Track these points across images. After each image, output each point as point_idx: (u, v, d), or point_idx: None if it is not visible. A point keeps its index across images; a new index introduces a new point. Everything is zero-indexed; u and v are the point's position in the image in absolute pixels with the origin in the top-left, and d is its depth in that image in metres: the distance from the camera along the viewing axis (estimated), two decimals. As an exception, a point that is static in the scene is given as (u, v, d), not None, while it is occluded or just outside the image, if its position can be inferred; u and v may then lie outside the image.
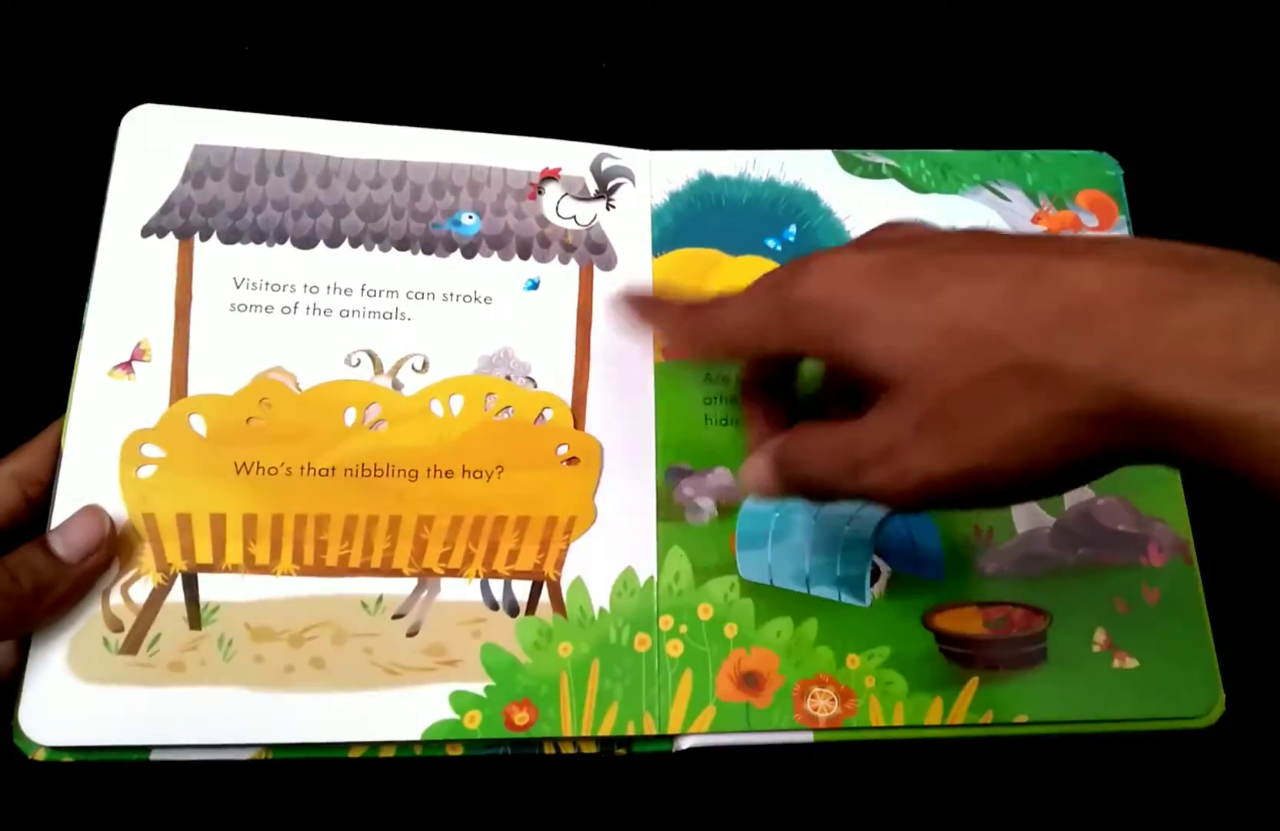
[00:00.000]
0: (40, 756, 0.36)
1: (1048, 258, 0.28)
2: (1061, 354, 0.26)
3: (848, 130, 0.48)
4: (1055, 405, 0.26)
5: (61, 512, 0.37)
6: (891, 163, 0.46)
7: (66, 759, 0.36)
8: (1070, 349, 0.26)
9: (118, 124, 0.43)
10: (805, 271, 0.31)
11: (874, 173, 0.46)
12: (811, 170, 0.46)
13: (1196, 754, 0.40)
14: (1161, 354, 0.25)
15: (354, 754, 0.37)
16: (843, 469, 0.30)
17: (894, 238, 0.32)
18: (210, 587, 0.38)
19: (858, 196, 0.46)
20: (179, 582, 0.38)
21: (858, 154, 0.47)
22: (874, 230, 0.34)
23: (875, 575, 0.40)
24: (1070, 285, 0.27)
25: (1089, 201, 0.46)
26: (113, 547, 0.37)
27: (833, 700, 0.38)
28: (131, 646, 0.37)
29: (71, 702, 0.36)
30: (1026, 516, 0.41)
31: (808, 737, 0.38)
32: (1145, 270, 0.26)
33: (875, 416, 0.29)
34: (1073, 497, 0.41)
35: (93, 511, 0.37)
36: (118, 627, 0.37)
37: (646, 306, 0.39)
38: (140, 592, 0.38)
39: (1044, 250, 0.28)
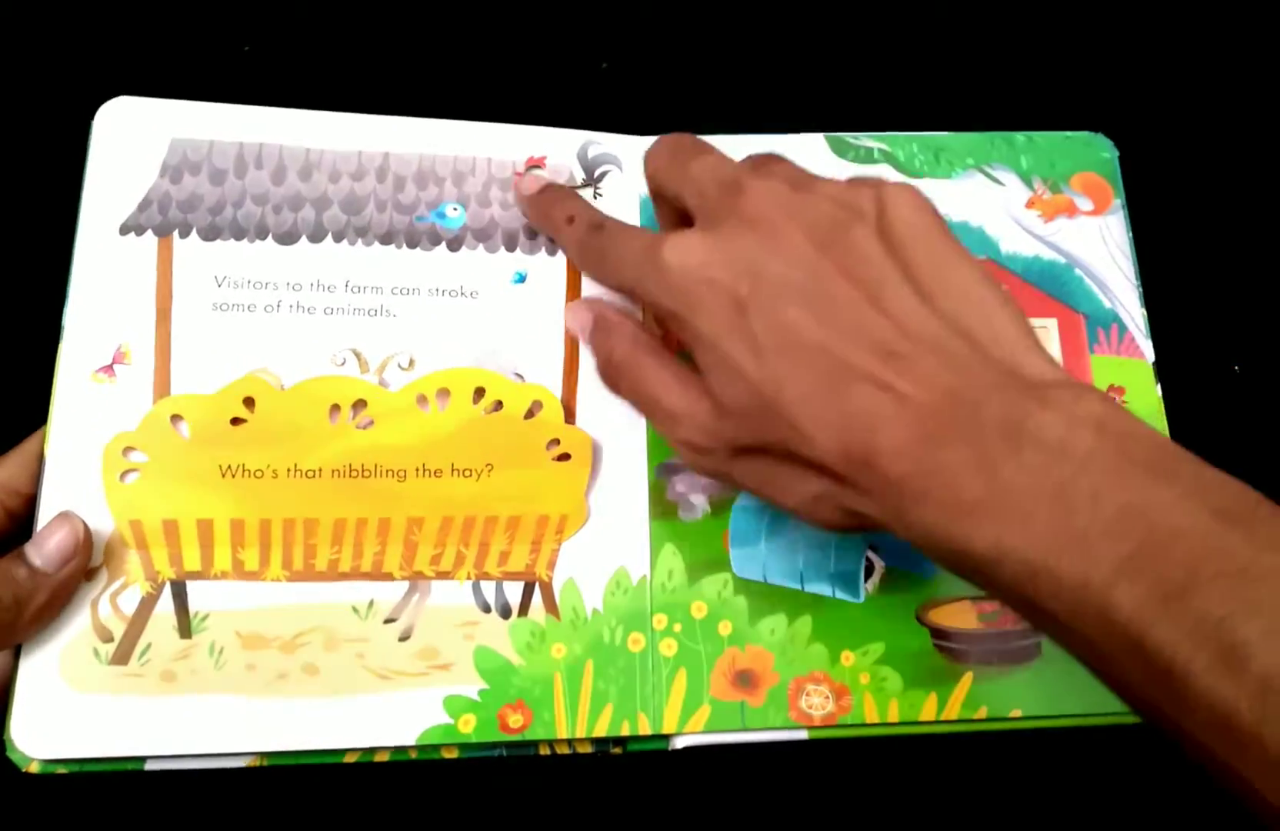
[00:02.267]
0: (34, 769, 0.36)
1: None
2: (845, 464, 0.30)
3: (839, 113, 0.47)
4: (818, 506, 0.32)
5: (45, 523, 0.37)
6: (884, 147, 0.46)
7: (60, 771, 0.36)
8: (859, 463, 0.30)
9: (91, 118, 0.42)
10: (671, 250, 0.33)
11: (866, 157, 0.45)
12: (802, 154, 0.45)
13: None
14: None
15: (349, 759, 0.37)
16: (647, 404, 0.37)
17: (759, 212, 0.33)
18: (199, 595, 0.38)
19: (850, 181, 0.45)
20: (168, 591, 0.37)
21: (849, 137, 0.46)
22: (756, 172, 0.35)
23: (869, 570, 0.40)
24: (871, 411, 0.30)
25: (1083, 185, 0.45)
26: (89, 553, 0.37)
27: (827, 697, 0.38)
28: (122, 657, 0.37)
29: (63, 715, 0.36)
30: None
31: (802, 735, 0.38)
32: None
33: (689, 393, 0.34)
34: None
35: (66, 518, 0.36)
36: (108, 638, 0.37)
37: (551, 200, 0.41)
38: (129, 602, 0.37)
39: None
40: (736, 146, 0.45)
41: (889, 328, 0.30)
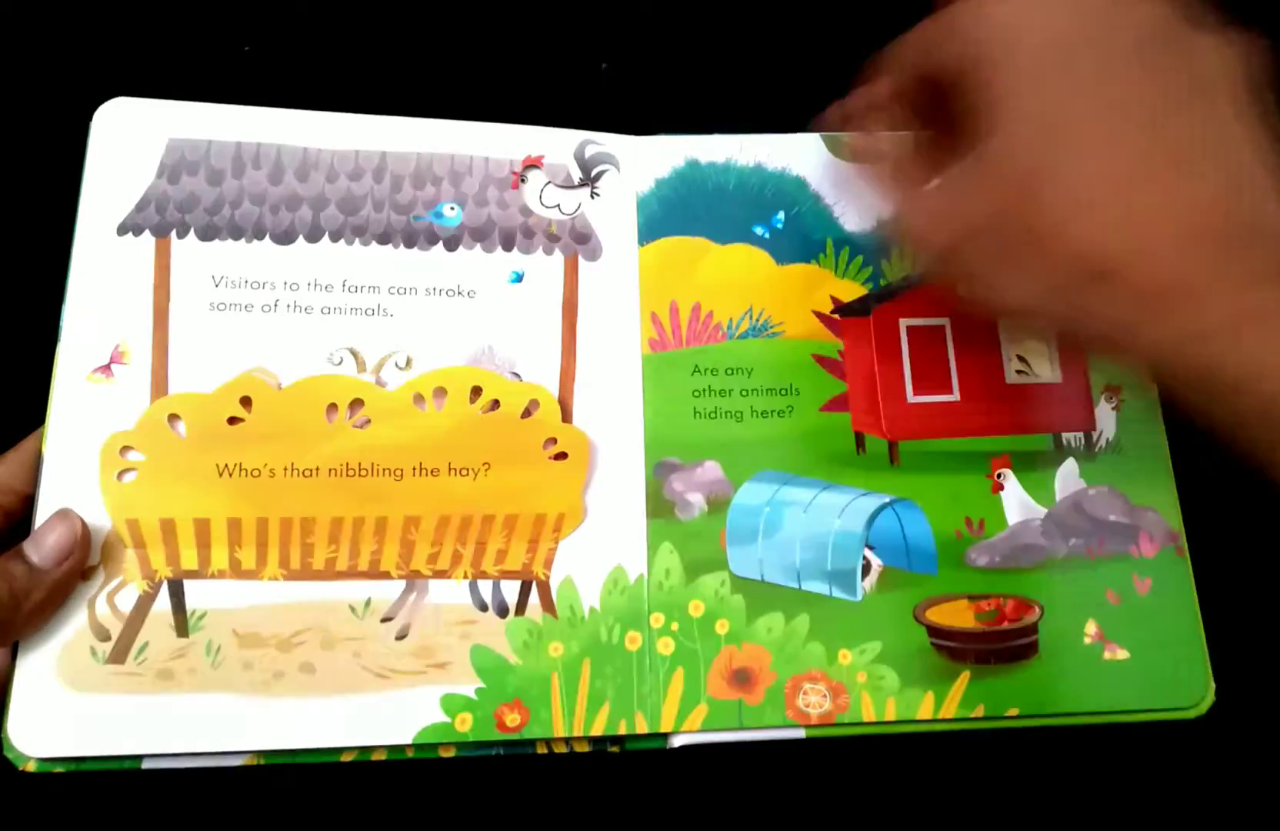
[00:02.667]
0: (31, 768, 0.36)
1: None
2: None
3: (836, 112, 0.47)
4: (1051, 299, 0.31)
5: (43, 521, 0.37)
6: (881, 146, 0.46)
7: (58, 769, 0.36)
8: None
9: (89, 119, 0.42)
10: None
11: (864, 156, 0.45)
12: (800, 154, 0.45)
13: (1186, 745, 0.40)
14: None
15: (346, 757, 0.37)
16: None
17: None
18: (196, 594, 0.38)
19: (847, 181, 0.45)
20: (165, 590, 0.38)
21: (846, 137, 0.46)
22: None
23: (866, 569, 0.40)
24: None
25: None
26: (86, 550, 0.37)
27: (824, 696, 0.38)
28: (119, 655, 0.37)
29: (61, 713, 0.36)
30: (1018, 508, 0.41)
31: (799, 734, 0.38)
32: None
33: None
34: (1064, 489, 0.41)
35: (64, 515, 0.37)
36: (105, 636, 0.37)
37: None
38: (126, 601, 0.37)
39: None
40: (733, 146, 0.45)
41: (1184, 136, 0.30)
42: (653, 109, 0.47)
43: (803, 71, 0.50)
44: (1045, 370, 0.43)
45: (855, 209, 0.45)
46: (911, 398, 0.42)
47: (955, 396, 0.42)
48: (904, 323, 0.43)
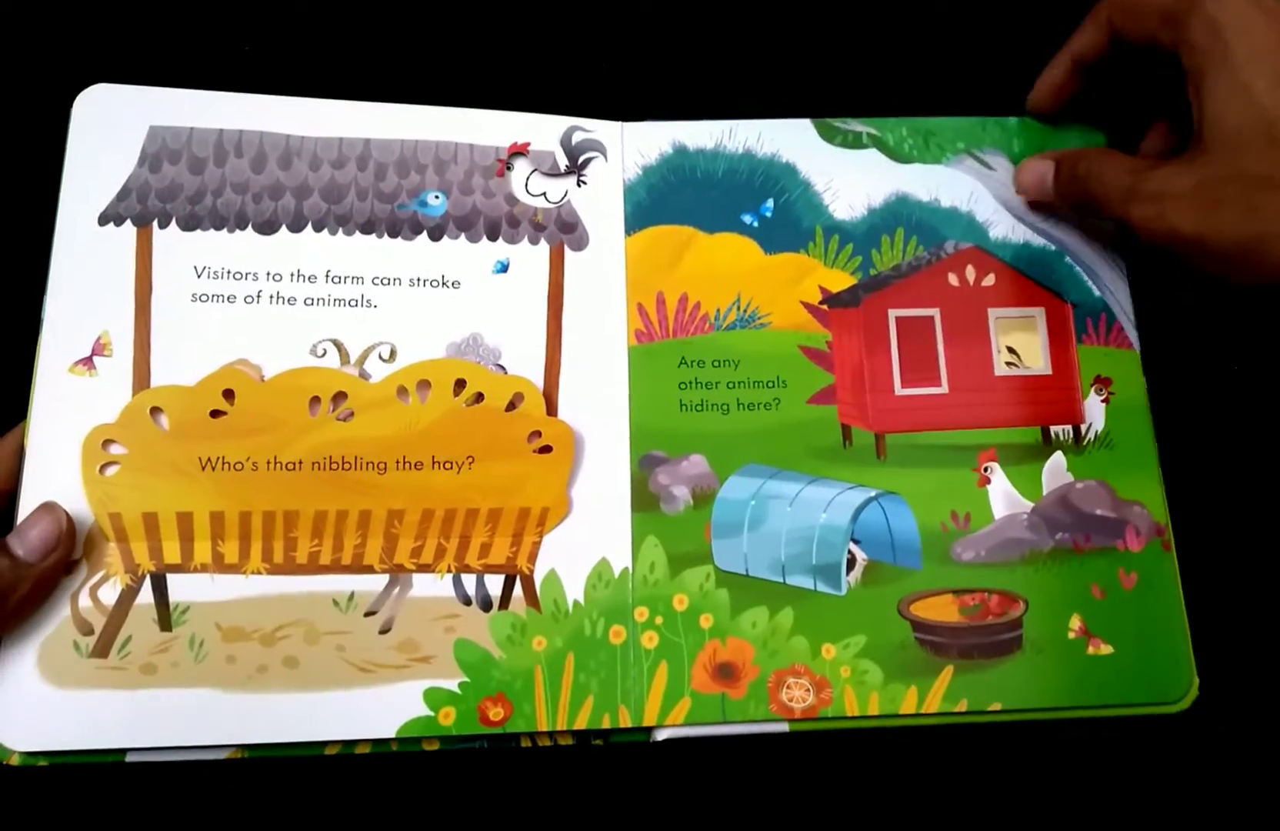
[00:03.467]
0: (15, 762, 0.36)
1: None
2: None
3: (827, 97, 0.46)
4: None
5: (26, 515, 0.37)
6: (872, 132, 0.45)
7: (41, 763, 0.36)
8: None
9: (69, 106, 0.41)
10: None
11: (854, 142, 0.45)
12: (790, 140, 0.45)
13: (1170, 738, 0.40)
14: None
15: (329, 751, 0.37)
16: (1120, 194, 0.37)
17: None
18: (179, 588, 0.38)
19: (837, 167, 0.44)
20: (148, 584, 0.37)
21: (837, 122, 0.45)
22: None
23: (851, 564, 0.39)
24: None
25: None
26: (71, 544, 0.37)
27: (808, 690, 0.38)
28: (102, 649, 0.37)
29: (44, 708, 0.36)
30: (1004, 502, 0.40)
31: (783, 728, 0.38)
32: None
33: (1172, 165, 0.36)
34: (1051, 483, 0.41)
35: (48, 508, 0.36)
36: (88, 630, 0.37)
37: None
38: (109, 594, 0.37)
39: None
40: (723, 132, 0.45)
41: None
42: (642, 95, 0.46)
43: (793, 57, 0.49)
44: (1036, 361, 0.42)
45: (847, 196, 0.44)
46: (899, 390, 0.42)
47: (944, 388, 0.42)
48: (893, 313, 0.43)
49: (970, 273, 0.43)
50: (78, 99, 0.42)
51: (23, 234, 0.40)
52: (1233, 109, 0.34)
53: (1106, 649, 0.39)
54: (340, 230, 0.42)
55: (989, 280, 0.43)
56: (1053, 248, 0.44)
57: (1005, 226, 0.44)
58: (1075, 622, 0.39)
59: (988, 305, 0.43)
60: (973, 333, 0.42)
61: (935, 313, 0.43)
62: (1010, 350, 0.42)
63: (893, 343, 0.42)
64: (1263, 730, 0.41)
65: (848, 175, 0.44)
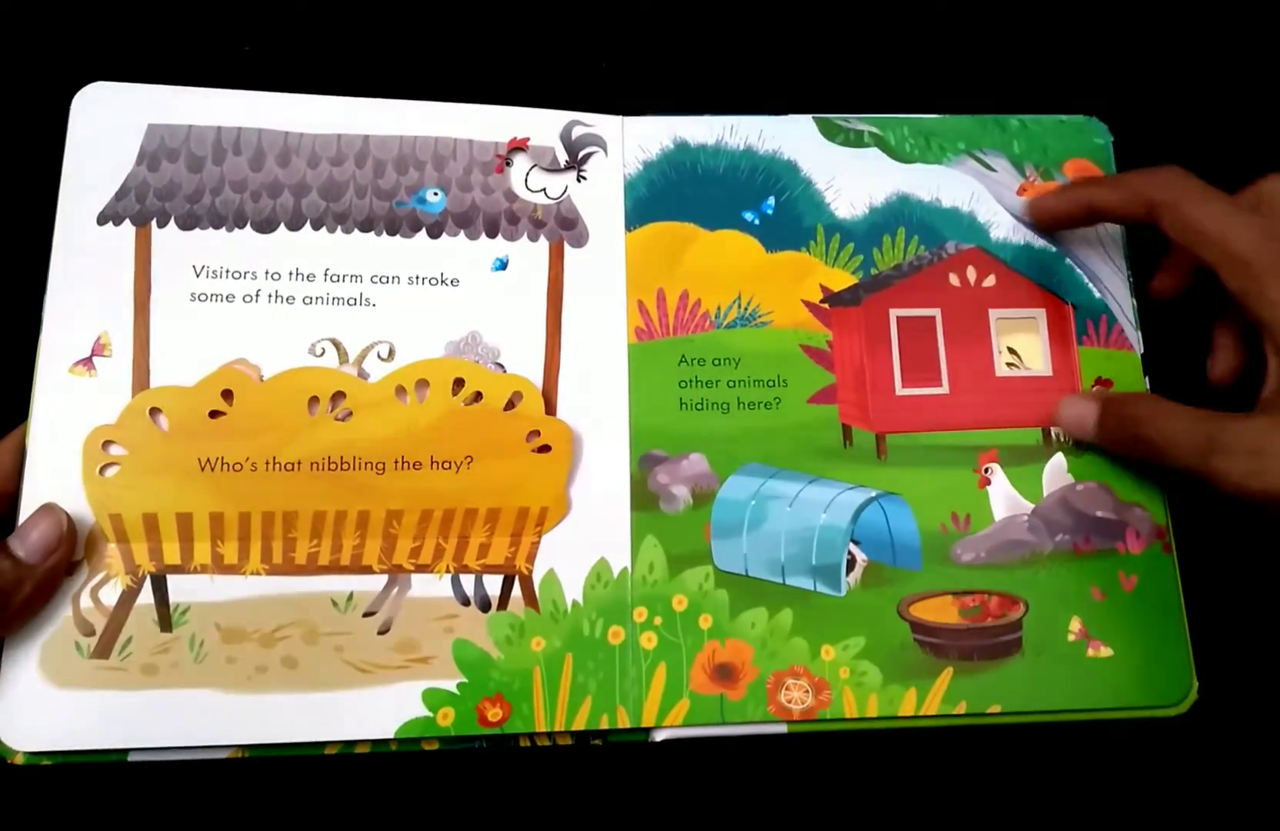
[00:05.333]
0: (18, 761, 0.36)
1: None
2: None
3: (829, 95, 0.46)
4: None
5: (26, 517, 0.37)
6: (874, 130, 0.45)
7: (45, 762, 0.36)
8: None
9: (68, 104, 0.41)
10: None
11: (856, 140, 0.45)
12: (791, 137, 0.44)
13: (1169, 742, 0.40)
14: None
15: (329, 751, 0.37)
16: (1196, 446, 0.35)
17: None
18: (180, 589, 0.38)
19: (839, 165, 0.44)
20: (148, 584, 0.38)
21: (839, 120, 0.45)
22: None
23: (851, 564, 0.39)
24: None
25: (1076, 171, 0.44)
26: (72, 545, 0.37)
27: (807, 692, 0.38)
28: (103, 650, 0.37)
29: (46, 708, 0.36)
30: (1005, 503, 0.40)
31: (781, 729, 0.38)
32: None
33: (1261, 420, 0.35)
34: (1052, 484, 0.41)
35: (49, 510, 0.37)
36: (89, 631, 0.37)
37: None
38: (110, 595, 0.37)
39: None
40: (725, 128, 0.44)
41: None
42: (643, 90, 0.46)
43: (796, 54, 0.49)
44: (1037, 362, 0.42)
45: (848, 194, 0.44)
46: (900, 390, 0.42)
47: (944, 389, 0.42)
48: (894, 312, 0.42)
49: (971, 273, 0.43)
50: (76, 97, 0.42)
51: (22, 233, 0.40)
52: None
53: (1106, 651, 0.39)
54: (339, 228, 0.42)
55: (990, 281, 0.43)
56: (1053, 249, 0.44)
57: (1006, 228, 0.44)
58: (1075, 625, 0.39)
59: (989, 306, 0.43)
60: (974, 333, 0.42)
61: (936, 313, 0.42)
62: (1011, 351, 0.42)
63: (894, 342, 0.42)
64: (1262, 734, 0.41)
65: (849, 174, 0.44)
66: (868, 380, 0.42)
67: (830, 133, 0.45)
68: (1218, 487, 0.34)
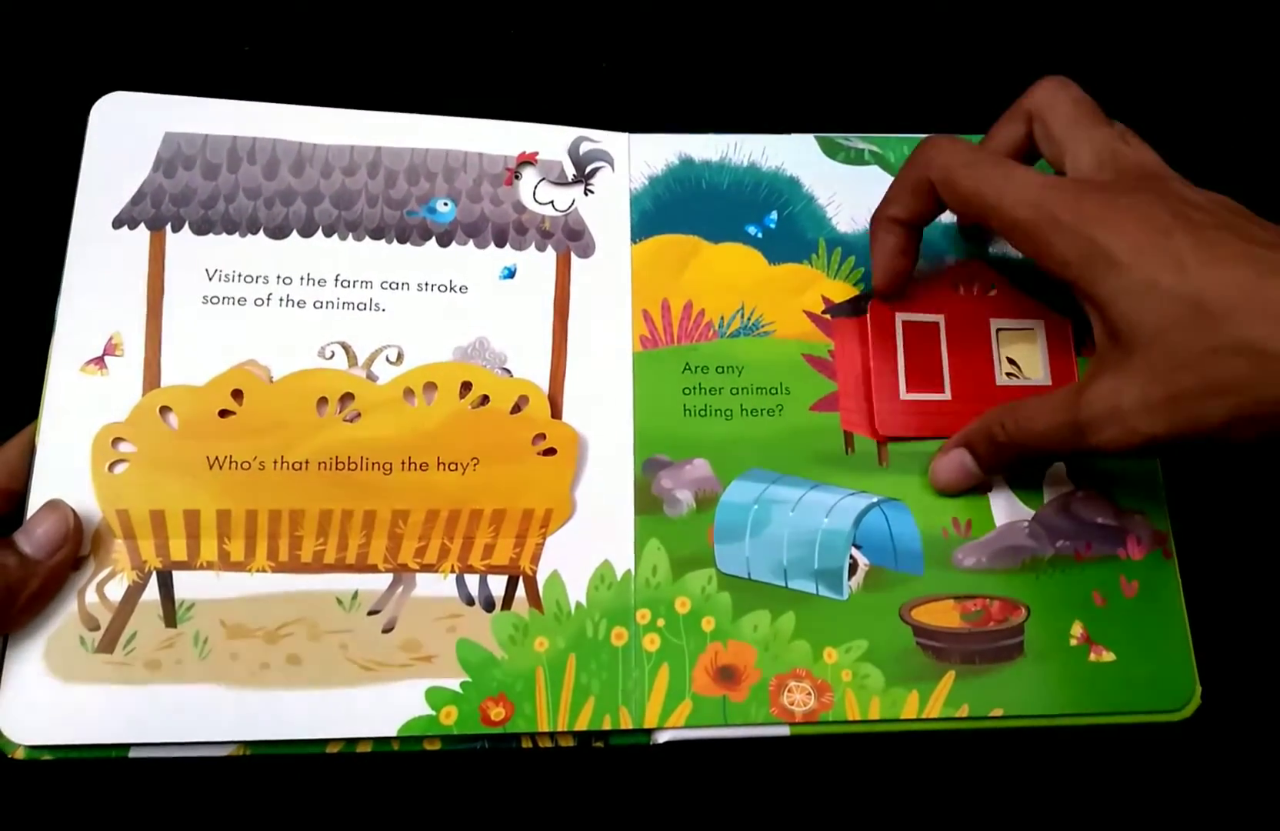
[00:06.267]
0: (19, 755, 0.36)
1: None
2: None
3: (830, 114, 0.47)
4: (1267, 388, 0.31)
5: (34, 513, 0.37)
6: (874, 149, 0.46)
7: (46, 757, 0.36)
8: None
9: (87, 112, 0.42)
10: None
11: (856, 159, 0.46)
12: (793, 155, 0.45)
13: (1172, 747, 0.40)
14: None
15: (331, 749, 0.37)
16: (1067, 437, 0.35)
17: (1136, 168, 0.36)
18: (185, 585, 0.38)
19: (840, 183, 0.45)
20: (154, 580, 0.38)
21: (840, 139, 0.46)
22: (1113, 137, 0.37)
23: (853, 568, 0.40)
24: None
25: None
26: (78, 541, 0.37)
27: (809, 694, 0.38)
28: (108, 645, 0.37)
29: (49, 702, 0.36)
30: (1006, 508, 0.41)
31: (784, 732, 0.38)
32: None
33: (1105, 380, 0.34)
34: (1052, 490, 0.41)
35: (55, 506, 0.37)
36: (94, 626, 0.37)
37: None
38: (115, 590, 0.37)
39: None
40: (728, 145, 0.45)
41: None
42: (648, 107, 0.47)
43: (797, 73, 0.50)
44: (1036, 372, 0.43)
45: (849, 211, 0.45)
46: (904, 394, 0.42)
47: (947, 395, 0.42)
48: (900, 317, 0.43)
49: (974, 283, 0.44)
50: (95, 106, 0.42)
51: (39, 236, 0.41)
52: (1148, 306, 0.32)
53: (1109, 656, 0.39)
54: (350, 235, 0.42)
55: (991, 292, 0.44)
56: (1053, 262, 0.45)
57: (1002, 243, 0.45)
58: (1077, 629, 0.39)
59: (990, 316, 0.43)
60: (975, 341, 0.43)
61: (940, 319, 0.43)
62: (1011, 361, 0.43)
63: (899, 346, 0.42)
64: (1265, 739, 0.41)
65: (850, 190, 0.45)
66: (873, 382, 0.42)
67: (831, 151, 0.46)
68: (1107, 456, 0.35)
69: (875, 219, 0.41)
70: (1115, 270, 0.33)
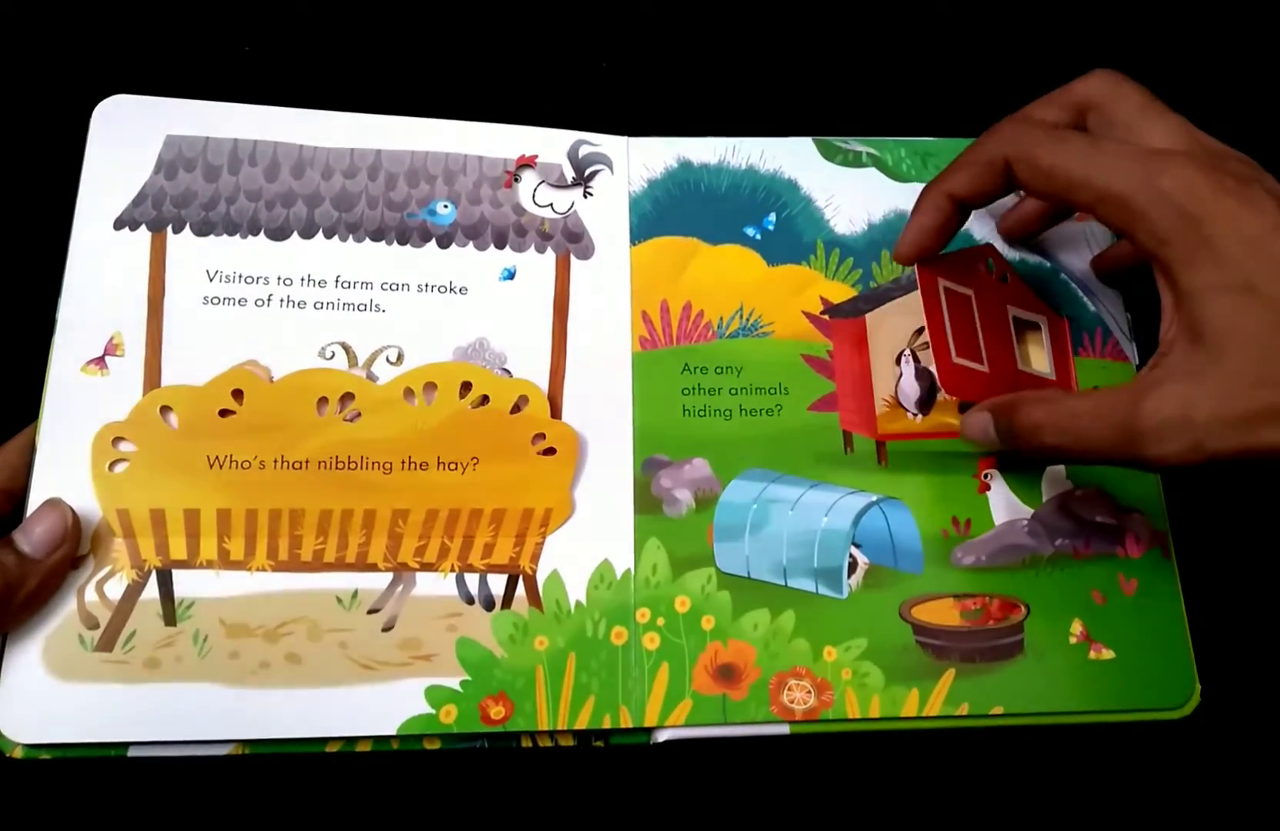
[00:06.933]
0: (17, 754, 0.36)
1: None
2: None
3: (828, 117, 0.47)
4: None
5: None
6: (872, 151, 0.46)
7: (44, 756, 0.36)
8: None
9: (89, 115, 0.42)
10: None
11: (854, 161, 0.46)
12: (791, 157, 0.46)
13: (1172, 745, 0.40)
14: None
15: (331, 748, 0.37)
16: (1115, 441, 0.32)
17: (1233, 156, 0.33)
18: (185, 584, 0.38)
19: (838, 185, 0.45)
20: (153, 579, 0.38)
21: (838, 142, 0.46)
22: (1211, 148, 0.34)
23: (853, 567, 0.40)
24: None
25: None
26: (77, 540, 0.37)
27: (809, 692, 0.38)
28: (107, 643, 0.37)
29: (47, 700, 0.36)
30: (1005, 507, 0.41)
31: (784, 730, 0.38)
32: None
33: (1174, 386, 0.31)
34: (1051, 489, 0.41)
35: (54, 504, 0.37)
36: (93, 624, 0.37)
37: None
38: (115, 589, 0.37)
39: None
40: (727, 148, 0.46)
41: None
42: (647, 110, 0.47)
43: (795, 76, 0.50)
44: (1043, 365, 0.43)
45: (846, 212, 0.45)
46: (955, 358, 0.40)
47: (985, 367, 0.41)
48: (942, 283, 0.41)
49: (993, 267, 0.43)
50: (97, 108, 0.43)
51: (40, 237, 0.41)
52: (1241, 309, 0.30)
53: (1108, 654, 0.39)
54: (350, 237, 0.43)
55: (1005, 280, 0.43)
56: (1048, 264, 0.45)
57: (1000, 245, 0.45)
58: (1076, 627, 0.39)
59: (1007, 301, 0.43)
60: (999, 322, 0.42)
61: (971, 293, 0.42)
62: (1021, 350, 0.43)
63: (944, 312, 0.41)
64: (1265, 737, 0.41)
65: (848, 192, 0.45)
66: (930, 342, 0.40)
67: (829, 153, 0.46)
68: (1154, 470, 0.32)
69: (928, 189, 0.39)
70: (1215, 263, 0.30)
